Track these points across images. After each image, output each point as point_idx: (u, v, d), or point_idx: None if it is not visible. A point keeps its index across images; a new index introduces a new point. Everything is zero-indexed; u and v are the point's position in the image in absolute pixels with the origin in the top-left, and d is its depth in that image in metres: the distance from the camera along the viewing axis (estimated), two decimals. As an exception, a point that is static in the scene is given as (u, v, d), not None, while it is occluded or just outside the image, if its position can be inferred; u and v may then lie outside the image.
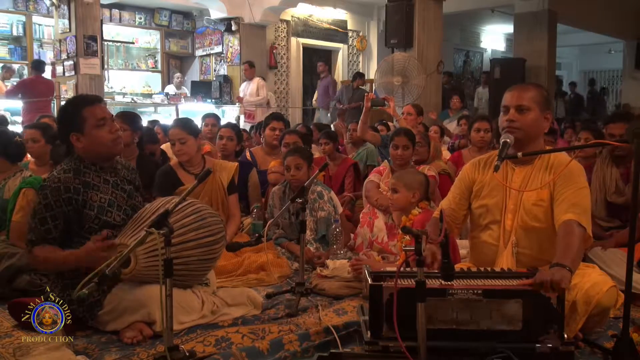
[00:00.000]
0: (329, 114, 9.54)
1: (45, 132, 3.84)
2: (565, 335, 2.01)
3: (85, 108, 2.43)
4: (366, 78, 10.70)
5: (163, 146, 5.02)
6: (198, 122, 3.82)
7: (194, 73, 11.17)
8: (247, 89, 9.04)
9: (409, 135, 3.86)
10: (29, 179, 3.21)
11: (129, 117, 3.91)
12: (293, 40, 10.99)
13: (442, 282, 1.93)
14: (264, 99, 9.10)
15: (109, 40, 9.73)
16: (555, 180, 2.28)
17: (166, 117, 8.81)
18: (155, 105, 9.44)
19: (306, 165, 3.60)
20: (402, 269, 2.06)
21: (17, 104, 7.85)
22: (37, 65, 7.99)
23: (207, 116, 5.66)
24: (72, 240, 2.41)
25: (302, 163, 3.59)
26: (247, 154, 4.75)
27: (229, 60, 10.22)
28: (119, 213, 2.48)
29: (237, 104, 9.25)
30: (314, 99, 10.29)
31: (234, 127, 4.68)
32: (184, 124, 3.64)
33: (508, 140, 2.27)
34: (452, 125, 7.70)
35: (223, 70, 10.40)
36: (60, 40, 7.92)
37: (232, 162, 3.86)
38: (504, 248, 2.36)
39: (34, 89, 7.65)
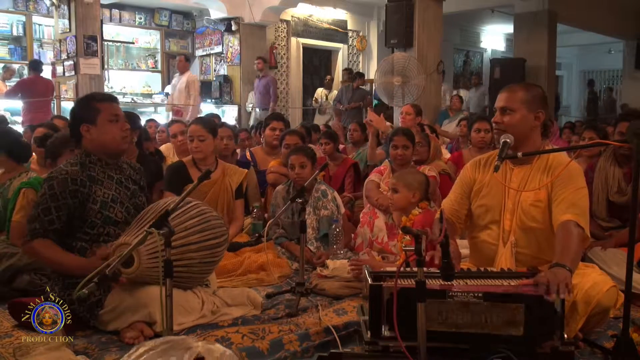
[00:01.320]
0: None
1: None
2: (565, 335, 2.01)
3: (102, 102, 2.50)
4: (366, 78, 10.71)
5: (163, 146, 5.03)
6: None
7: (194, 73, 11.15)
8: (177, 83, 8.73)
9: (408, 135, 3.86)
10: (29, 179, 3.21)
11: (128, 117, 3.91)
12: (293, 40, 10.99)
13: (442, 282, 1.93)
14: (194, 99, 8.63)
15: (109, 40, 9.72)
16: (554, 181, 2.28)
17: (166, 117, 8.82)
18: (155, 105, 9.44)
19: (310, 164, 3.61)
20: (402, 269, 2.06)
21: (17, 104, 7.85)
22: (35, 65, 7.98)
23: (193, 122, 5.70)
24: (74, 235, 2.42)
25: (307, 162, 3.60)
26: (247, 154, 4.76)
27: (229, 60, 10.22)
28: (121, 210, 2.49)
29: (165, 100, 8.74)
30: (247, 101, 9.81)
31: (232, 127, 4.74)
32: (205, 122, 3.70)
33: (508, 140, 2.28)
34: (451, 126, 7.70)
35: (223, 70, 10.40)
36: (60, 40, 7.92)
37: (243, 169, 3.87)
38: (503, 248, 2.36)
39: (33, 89, 7.65)
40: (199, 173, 3.56)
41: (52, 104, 7.99)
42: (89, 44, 7.67)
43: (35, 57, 8.99)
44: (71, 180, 2.38)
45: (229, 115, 9.97)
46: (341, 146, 5.60)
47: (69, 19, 7.67)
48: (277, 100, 9.39)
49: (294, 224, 3.61)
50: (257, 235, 3.64)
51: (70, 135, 2.61)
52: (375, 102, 9.46)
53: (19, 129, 6.46)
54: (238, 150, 5.04)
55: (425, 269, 1.79)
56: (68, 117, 3.69)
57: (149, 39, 10.91)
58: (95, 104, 2.49)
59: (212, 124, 3.75)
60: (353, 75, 9.50)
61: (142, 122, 4.88)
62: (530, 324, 1.96)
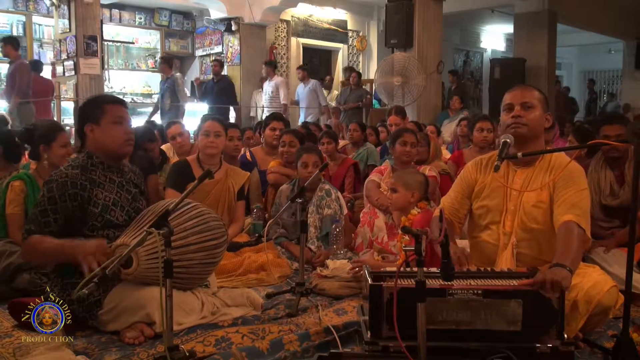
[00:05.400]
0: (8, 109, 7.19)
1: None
2: (565, 335, 2.01)
3: (108, 104, 2.51)
4: (366, 78, 10.70)
5: (163, 146, 5.03)
6: (197, 123, 3.86)
7: (194, 73, 11.16)
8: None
9: (414, 133, 3.93)
10: (17, 174, 3.23)
11: (145, 132, 3.97)
12: (293, 40, 10.99)
13: (442, 282, 1.93)
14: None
15: (109, 40, 9.72)
16: (555, 181, 2.28)
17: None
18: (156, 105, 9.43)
19: (320, 164, 3.63)
20: (402, 269, 2.06)
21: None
22: (35, 66, 7.97)
23: (209, 117, 5.70)
24: (73, 237, 2.40)
25: (319, 162, 3.66)
26: (247, 154, 4.76)
27: (228, 60, 10.21)
28: (122, 213, 2.49)
29: None
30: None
31: (237, 127, 4.79)
32: (220, 120, 3.76)
33: (508, 140, 2.28)
34: (451, 126, 7.70)
35: (223, 70, 10.39)
36: (60, 40, 7.92)
37: (246, 171, 3.87)
38: (504, 248, 2.36)
39: (33, 89, 7.63)
40: (201, 172, 3.56)
41: (52, 104, 7.98)
42: (89, 44, 7.67)
43: (35, 57, 8.99)
44: (71, 184, 2.38)
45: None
46: (341, 141, 5.59)
47: (69, 19, 7.66)
48: (21, 90, 7.22)
49: (297, 224, 3.61)
50: (257, 235, 3.64)
51: (77, 135, 2.62)
52: (375, 102, 9.47)
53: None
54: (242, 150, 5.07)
55: (425, 268, 1.80)
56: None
57: (149, 39, 10.91)
58: (101, 105, 2.49)
59: (224, 122, 3.82)
60: (347, 72, 9.50)
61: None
62: (529, 319, 1.96)
